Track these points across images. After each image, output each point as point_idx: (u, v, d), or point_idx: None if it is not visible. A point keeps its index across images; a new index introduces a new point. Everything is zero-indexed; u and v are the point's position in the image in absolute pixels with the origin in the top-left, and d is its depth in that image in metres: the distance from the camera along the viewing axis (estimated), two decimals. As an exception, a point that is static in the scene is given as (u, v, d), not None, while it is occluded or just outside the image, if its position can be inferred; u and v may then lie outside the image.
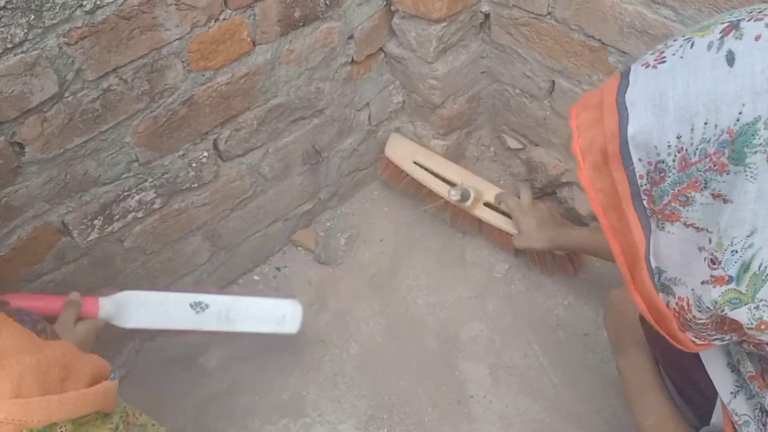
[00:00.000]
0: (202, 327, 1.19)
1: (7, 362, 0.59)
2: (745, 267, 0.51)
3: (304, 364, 1.36)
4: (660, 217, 0.56)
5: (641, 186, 0.56)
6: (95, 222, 1.12)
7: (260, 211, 1.43)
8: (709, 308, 0.54)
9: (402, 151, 1.54)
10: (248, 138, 1.26)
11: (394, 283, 1.49)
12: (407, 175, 1.52)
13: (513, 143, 1.56)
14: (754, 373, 0.64)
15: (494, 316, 1.42)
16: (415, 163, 1.51)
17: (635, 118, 0.54)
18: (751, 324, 0.52)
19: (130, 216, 1.17)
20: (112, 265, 1.21)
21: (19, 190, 0.99)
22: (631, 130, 0.54)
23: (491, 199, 1.45)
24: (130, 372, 1.35)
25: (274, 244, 1.54)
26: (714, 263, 0.53)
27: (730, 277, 0.52)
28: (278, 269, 1.54)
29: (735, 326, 0.55)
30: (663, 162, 0.53)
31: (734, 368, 0.69)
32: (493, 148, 1.62)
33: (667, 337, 0.64)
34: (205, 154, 1.21)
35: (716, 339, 0.60)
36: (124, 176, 1.12)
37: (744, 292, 0.52)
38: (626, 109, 0.55)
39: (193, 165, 1.20)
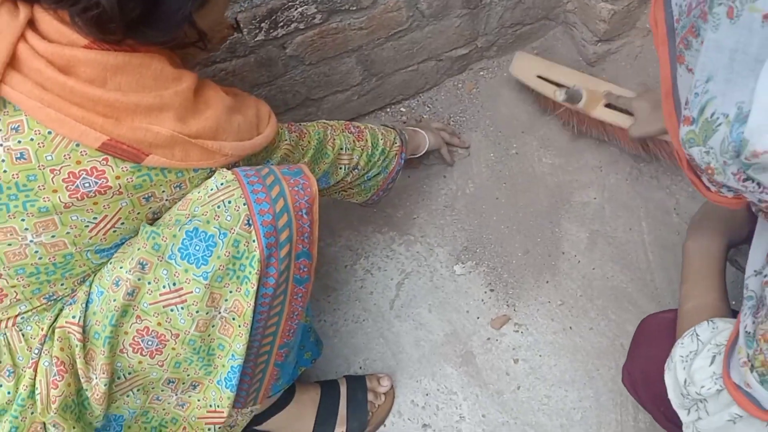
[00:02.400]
0: None
1: (233, 118, 0.86)
2: (701, 110, 0.54)
3: (422, 192, 1.51)
4: (675, 58, 0.60)
5: (675, 29, 0.60)
6: (262, 24, 1.30)
7: (414, 45, 1.53)
8: (686, 145, 0.58)
9: (526, 66, 1.51)
10: (408, -31, 1.33)
11: (527, 138, 1.55)
12: (533, 90, 1.51)
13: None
14: None
15: (613, 188, 1.44)
16: (539, 77, 1.48)
17: None
18: (701, 165, 0.56)
19: (292, 25, 1.33)
20: (275, 67, 1.41)
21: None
22: None
23: (612, 101, 1.39)
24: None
25: (425, 81, 1.64)
26: (687, 104, 0.57)
27: (693, 118, 0.55)
28: (425, 104, 1.65)
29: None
30: (679, 5, 0.58)
31: None
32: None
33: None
34: (366, -21, 1.31)
35: (723, 188, 0.62)
36: (290, -12, 1.26)
37: (697, 133, 0.55)
38: None
39: (353, -12, 1.32)
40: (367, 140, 1.19)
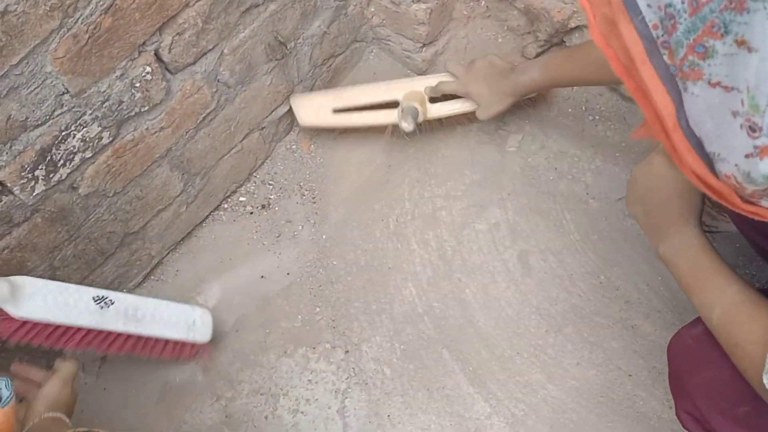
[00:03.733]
0: (106, 326, 1.02)
1: None
2: None
3: (306, 281, 1.23)
4: (680, 75, 0.45)
5: (657, 38, 0.45)
6: (37, 172, 0.95)
7: (230, 123, 1.24)
8: (765, 182, 0.44)
9: (311, 110, 1.32)
10: (195, 41, 1.05)
11: (394, 179, 1.33)
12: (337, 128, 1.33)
13: (506, -8, 1.34)
14: None
15: (514, 196, 1.27)
16: (337, 111, 1.30)
17: None
18: None
19: (77, 158, 0.99)
20: (72, 216, 1.05)
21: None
22: None
23: (433, 94, 1.25)
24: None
25: (255, 158, 1.36)
26: (753, 131, 0.41)
27: None
28: (264, 183, 1.37)
29: None
30: (670, 5, 0.42)
31: None
32: (483, 2, 1.40)
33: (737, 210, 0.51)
34: (148, 69, 1.01)
35: None
36: (57, 113, 0.92)
37: None
38: None
39: (137, 85, 1.01)
40: None
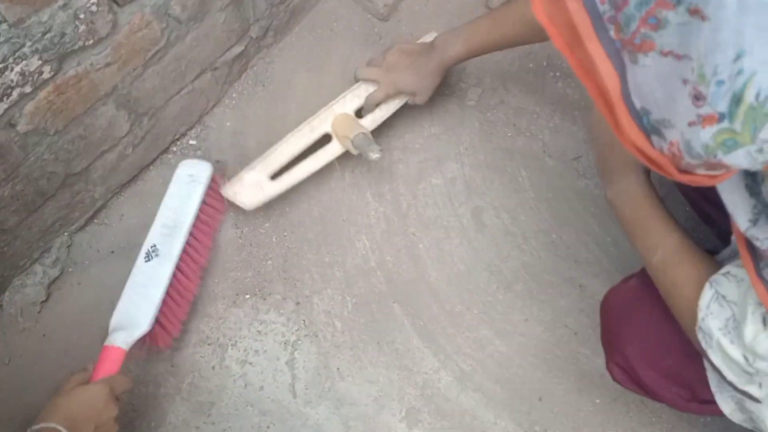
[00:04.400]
0: (170, 262, 1.08)
1: None
2: (737, 99, 0.40)
3: (259, 240, 1.20)
4: (631, 48, 0.45)
5: (603, 14, 0.45)
6: (-30, 108, 0.88)
7: (181, 62, 1.18)
8: (700, 154, 0.45)
9: (250, 189, 1.15)
10: (145, -28, 0.98)
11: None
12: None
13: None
14: None
15: (471, 151, 1.26)
16: (272, 178, 1.16)
17: None
18: (755, 167, 0.44)
19: (15, 93, 0.92)
20: (10, 155, 0.99)
21: None
22: None
23: (370, 109, 1.19)
24: (66, 270, 1.18)
25: (206, 99, 1.31)
26: (698, 99, 0.42)
27: (721, 114, 0.41)
28: (213, 127, 1.32)
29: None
30: None
31: (753, 191, 0.57)
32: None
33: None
34: (93, 0, 0.94)
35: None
36: (-8, 44, 0.86)
37: (739, 131, 0.41)
38: None
39: (81, 16, 0.94)
40: None
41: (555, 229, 1.19)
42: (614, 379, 0.89)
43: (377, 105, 1.18)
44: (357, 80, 1.20)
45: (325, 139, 1.17)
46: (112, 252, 1.19)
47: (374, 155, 1.09)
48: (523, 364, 1.11)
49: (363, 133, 1.12)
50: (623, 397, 1.09)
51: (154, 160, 1.29)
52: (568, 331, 1.13)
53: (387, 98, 1.17)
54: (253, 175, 1.15)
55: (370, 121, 1.19)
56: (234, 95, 1.35)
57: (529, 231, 1.19)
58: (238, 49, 1.29)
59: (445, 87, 1.31)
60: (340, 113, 1.17)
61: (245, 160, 1.20)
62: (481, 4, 1.35)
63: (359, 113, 1.19)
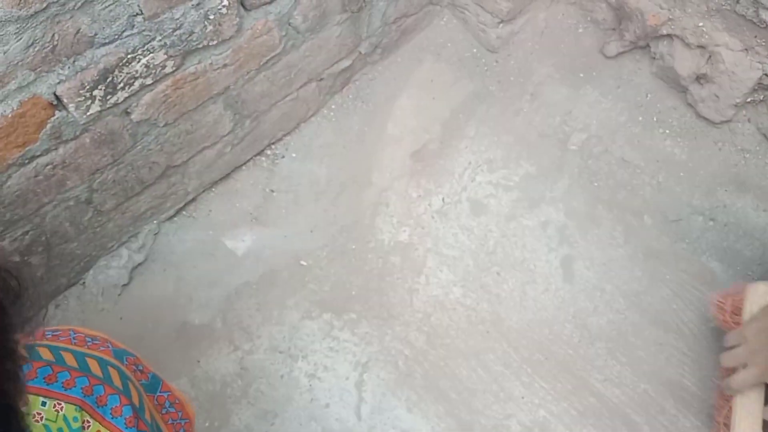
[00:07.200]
0: None
1: None
2: None
3: (346, 251, 1.20)
4: None
5: None
6: (95, 92, 0.90)
7: (291, 70, 1.19)
8: None
9: None
10: (278, -20, 0.99)
11: (447, 152, 1.28)
12: None
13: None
14: None
15: (567, 197, 1.22)
16: None
17: None
18: None
19: (137, 83, 0.94)
20: (120, 142, 1.00)
21: (-9, 57, 0.76)
22: None
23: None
24: (150, 258, 1.19)
25: (307, 108, 1.31)
26: None
27: None
28: (307, 135, 1.32)
29: None
30: None
31: None
32: (571, -11, 1.33)
33: None
34: (225, 2, 0.95)
35: None
36: (126, 34, 0.87)
37: None
38: None
39: (211, 17, 0.95)
40: None
41: (646, 290, 1.15)
42: None
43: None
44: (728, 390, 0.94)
45: None
46: (196, 246, 1.20)
47: None
48: (597, 425, 1.07)
49: None
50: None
51: (248, 161, 1.29)
52: (648, 397, 1.09)
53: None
54: None
55: None
56: (333, 107, 1.35)
57: (619, 288, 1.15)
58: (345, 63, 1.30)
59: (548, 127, 1.28)
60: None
61: (332, 171, 1.20)
62: (596, 49, 1.32)
63: None
